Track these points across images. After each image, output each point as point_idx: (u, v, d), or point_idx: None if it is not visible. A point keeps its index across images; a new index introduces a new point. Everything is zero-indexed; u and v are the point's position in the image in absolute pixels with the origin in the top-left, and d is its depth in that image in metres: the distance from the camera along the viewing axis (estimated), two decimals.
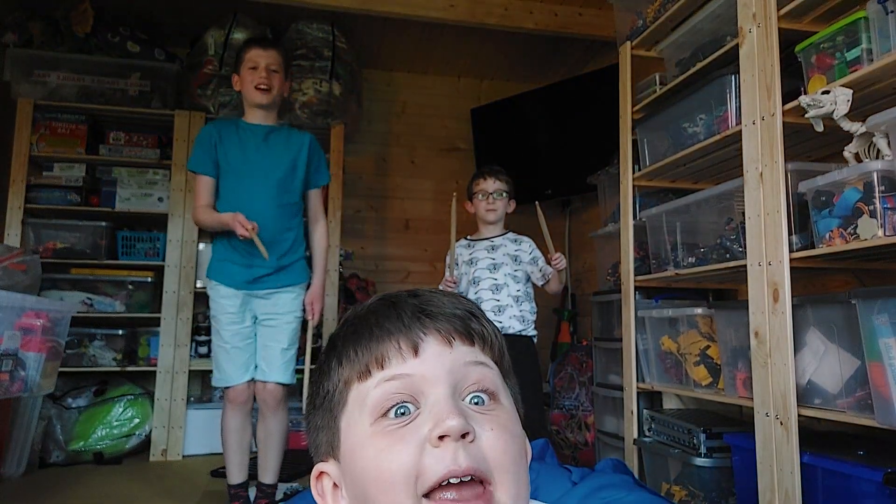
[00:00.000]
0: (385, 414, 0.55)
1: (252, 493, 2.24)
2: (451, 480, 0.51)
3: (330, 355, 0.62)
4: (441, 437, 0.52)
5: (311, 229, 2.31)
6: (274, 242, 2.11)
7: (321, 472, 0.61)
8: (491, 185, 2.33)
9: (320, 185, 2.31)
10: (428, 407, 0.54)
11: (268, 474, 2.22)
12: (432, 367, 0.56)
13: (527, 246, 2.33)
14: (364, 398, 0.57)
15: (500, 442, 0.54)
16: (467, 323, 0.60)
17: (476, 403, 0.57)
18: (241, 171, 2.14)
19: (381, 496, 0.53)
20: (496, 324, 2.20)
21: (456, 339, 0.59)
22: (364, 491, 0.55)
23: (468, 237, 2.42)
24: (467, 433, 0.52)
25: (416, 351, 0.57)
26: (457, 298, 0.64)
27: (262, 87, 2.12)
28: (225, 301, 2.15)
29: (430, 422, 0.53)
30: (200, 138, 2.19)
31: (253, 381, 2.17)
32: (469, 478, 0.51)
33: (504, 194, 2.34)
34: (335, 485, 0.60)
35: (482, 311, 0.65)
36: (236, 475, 2.17)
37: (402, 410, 0.55)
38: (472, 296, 2.29)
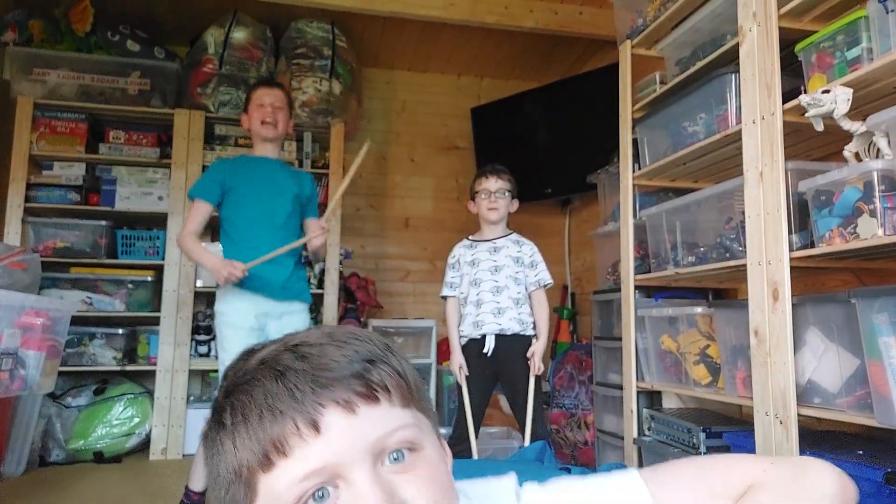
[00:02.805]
0: None
1: None
2: None
3: (219, 432, 0.55)
4: None
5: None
6: (278, 264, 2.21)
7: None
8: (493, 183, 2.32)
9: (311, 216, 2.42)
10: (350, 492, 0.52)
11: None
12: (341, 446, 0.52)
13: (528, 249, 2.33)
14: (276, 497, 0.52)
15: (427, 498, 0.53)
16: (367, 379, 0.54)
17: (396, 460, 0.54)
18: (250, 197, 2.24)
19: None
20: (496, 325, 2.24)
21: (359, 403, 0.53)
22: None
23: (470, 237, 2.42)
24: None
25: (316, 428, 0.52)
26: (349, 347, 0.56)
27: (268, 121, 2.27)
28: (242, 308, 2.18)
29: None
30: (210, 170, 2.32)
31: None
32: None
33: (506, 193, 2.33)
34: None
35: (378, 344, 0.58)
36: (200, 483, 2.13)
37: (320, 495, 0.52)
38: (473, 297, 2.29)
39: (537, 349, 2.24)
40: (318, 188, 3.51)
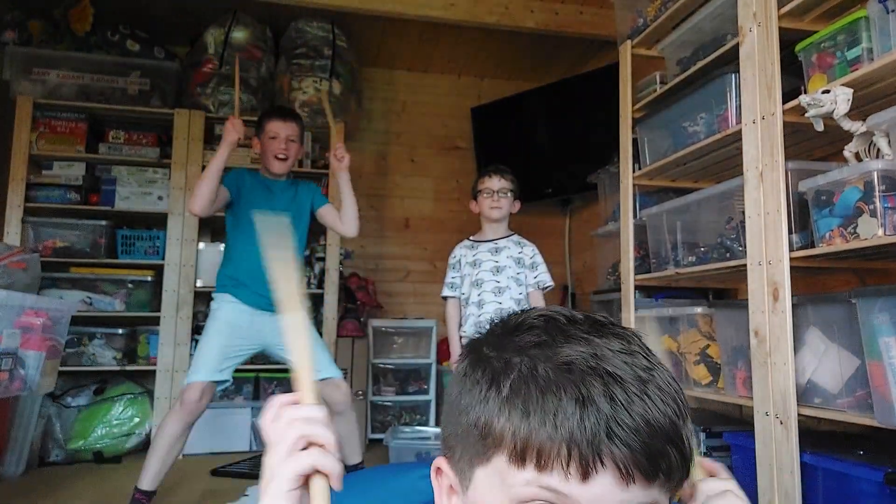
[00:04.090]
0: None
1: None
2: None
3: (490, 386, 0.54)
4: None
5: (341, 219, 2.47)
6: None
7: (440, 469, 0.60)
8: (496, 183, 2.33)
9: (325, 203, 2.52)
10: None
11: (356, 456, 2.41)
12: (591, 501, 0.50)
13: (529, 250, 2.33)
14: (509, 485, 0.52)
15: None
16: (658, 456, 0.51)
17: None
18: (253, 212, 2.29)
19: None
20: None
21: (636, 479, 0.50)
22: None
23: (471, 237, 2.42)
24: None
25: (584, 477, 0.49)
26: (657, 411, 0.51)
27: (281, 156, 2.34)
28: (239, 309, 2.24)
29: None
30: (232, 172, 2.38)
31: (214, 384, 2.20)
32: None
33: (509, 193, 2.33)
34: (451, 487, 0.59)
35: (681, 409, 0.54)
36: (151, 482, 2.11)
37: None
38: (474, 298, 2.29)
39: None
40: (320, 187, 3.53)
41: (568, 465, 0.49)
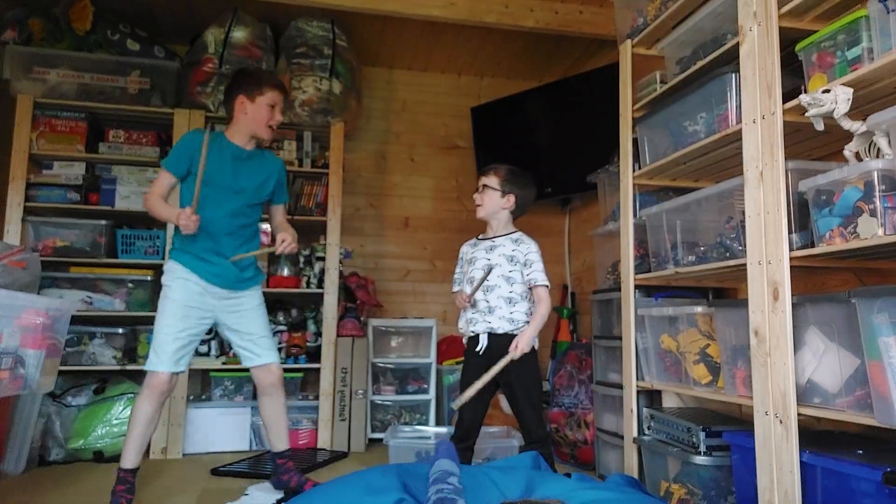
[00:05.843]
0: None
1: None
2: None
3: None
4: None
5: (277, 235, 2.36)
6: (234, 248, 2.30)
7: None
8: (479, 182, 2.36)
9: (282, 202, 2.49)
10: None
11: (283, 443, 2.46)
12: None
13: (524, 248, 2.29)
14: None
15: None
16: None
17: None
18: (216, 183, 2.26)
19: None
20: (485, 324, 2.23)
21: None
22: None
23: (479, 236, 2.42)
24: None
25: None
26: None
27: (274, 127, 2.33)
28: (189, 288, 2.24)
29: None
30: (184, 142, 2.30)
31: (176, 374, 2.24)
32: None
33: (485, 188, 2.32)
34: None
35: None
36: (133, 460, 2.22)
37: None
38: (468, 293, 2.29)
39: (523, 333, 2.19)
40: (319, 187, 3.53)
41: None
